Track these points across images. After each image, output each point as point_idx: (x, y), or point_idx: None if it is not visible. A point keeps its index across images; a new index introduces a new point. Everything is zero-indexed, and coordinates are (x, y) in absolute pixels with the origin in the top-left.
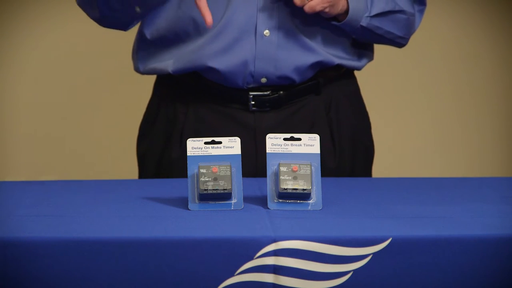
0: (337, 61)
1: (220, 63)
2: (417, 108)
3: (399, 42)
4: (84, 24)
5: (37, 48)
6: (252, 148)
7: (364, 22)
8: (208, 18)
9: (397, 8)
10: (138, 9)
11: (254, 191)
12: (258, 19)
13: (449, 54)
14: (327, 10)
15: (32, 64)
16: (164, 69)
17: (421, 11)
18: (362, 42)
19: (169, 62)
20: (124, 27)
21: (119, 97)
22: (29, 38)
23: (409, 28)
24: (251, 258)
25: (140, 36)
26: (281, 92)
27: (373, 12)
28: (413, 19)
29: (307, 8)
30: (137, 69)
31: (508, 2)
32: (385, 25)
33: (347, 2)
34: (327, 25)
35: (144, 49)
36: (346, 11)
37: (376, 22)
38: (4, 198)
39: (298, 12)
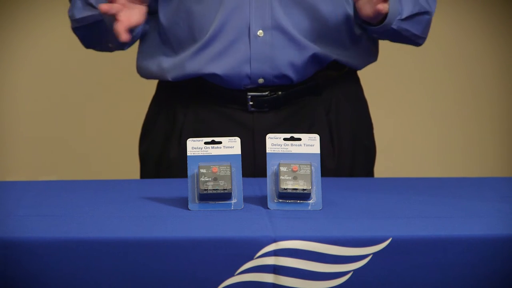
0: (333, 56)
1: (216, 68)
2: (417, 108)
3: (418, 42)
4: None
5: (37, 48)
6: (250, 149)
7: (395, 25)
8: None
9: (422, 10)
10: (111, 45)
11: (254, 191)
12: (251, 20)
13: (450, 55)
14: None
15: (33, 64)
16: (163, 76)
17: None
18: (376, 39)
19: (166, 70)
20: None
21: (119, 97)
22: (30, 38)
23: (428, 28)
24: (251, 258)
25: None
26: (280, 92)
27: (404, 15)
28: (431, 18)
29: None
30: (139, 74)
31: (508, 2)
32: (412, 27)
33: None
34: (323, 22)
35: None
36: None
37: (405, 25)
38: (4, 198)
39: (291, 10)
